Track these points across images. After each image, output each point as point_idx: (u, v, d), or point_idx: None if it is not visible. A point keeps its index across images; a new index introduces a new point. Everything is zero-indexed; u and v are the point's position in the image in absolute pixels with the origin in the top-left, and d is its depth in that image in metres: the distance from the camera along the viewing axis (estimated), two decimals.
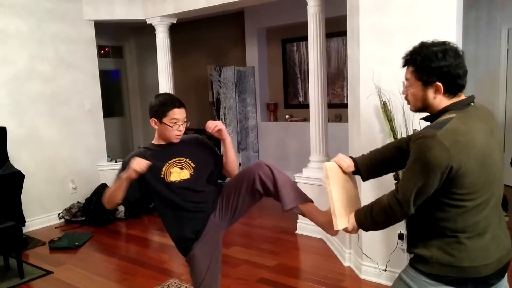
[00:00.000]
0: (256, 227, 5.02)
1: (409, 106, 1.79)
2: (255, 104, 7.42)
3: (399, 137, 2.99)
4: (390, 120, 3.10)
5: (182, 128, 2.30)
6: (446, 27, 2.92)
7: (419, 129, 1.79)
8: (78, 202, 5.58)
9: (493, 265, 1.64)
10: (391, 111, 3.10)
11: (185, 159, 2.34)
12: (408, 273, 1.75)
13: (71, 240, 4.67)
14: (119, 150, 7.92)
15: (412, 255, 1.78)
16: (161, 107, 2.26)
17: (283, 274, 3.70)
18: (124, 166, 2.24)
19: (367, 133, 3.31)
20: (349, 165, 1.95)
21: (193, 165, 2.35)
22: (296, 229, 4.68)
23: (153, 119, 2.29)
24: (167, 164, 2.31)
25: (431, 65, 1.61)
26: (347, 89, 4.05)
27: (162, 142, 2.37)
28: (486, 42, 6.01)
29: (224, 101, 7.20)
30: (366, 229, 1.84)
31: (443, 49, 1.62)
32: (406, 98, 1.77)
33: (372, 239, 3.39)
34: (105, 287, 3.65)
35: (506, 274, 1.74)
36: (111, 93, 7.93)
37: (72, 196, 5.62)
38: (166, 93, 2.43)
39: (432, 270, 1.66)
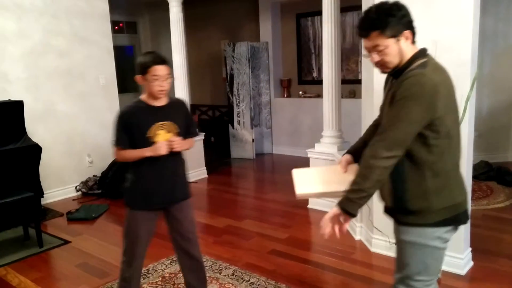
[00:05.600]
0: (269, 201, 5.08)
1: (380, 70, 1.78)
2: (269, 80, 7.40)
3: None
4: None
5: (166, 84, 2.35)
6: (463, 0, 2.86)
7: None
8: (94, 176, 5.70)
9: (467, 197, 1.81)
10: None
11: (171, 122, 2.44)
12: (412, 233, 1.76)
13: (88, 211, 4.78)
14: None
15: (405, 217, 1.76)
16: (144, 64, 2.32)
17: (294, 246, 3.76)
18: (121, 124, 2.38)
19: None
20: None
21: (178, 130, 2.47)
22: (308, 204, 4.72)
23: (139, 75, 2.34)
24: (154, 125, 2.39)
25: (394, 18, 1.69)
26: (362, 65, 4.01)
27: (150, 101, 2.42)
28: (506, 17, 5.87)
29: (237, 77, 7.19)
30: (353, 206, 1.73)
31: (391, 4, 1.72)
32: (378, 63, 1.75)
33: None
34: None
35: None
36: (125, 69, 7.95)
37: (88, 170, 5.73)
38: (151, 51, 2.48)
39: (434, 218, 1.72)
